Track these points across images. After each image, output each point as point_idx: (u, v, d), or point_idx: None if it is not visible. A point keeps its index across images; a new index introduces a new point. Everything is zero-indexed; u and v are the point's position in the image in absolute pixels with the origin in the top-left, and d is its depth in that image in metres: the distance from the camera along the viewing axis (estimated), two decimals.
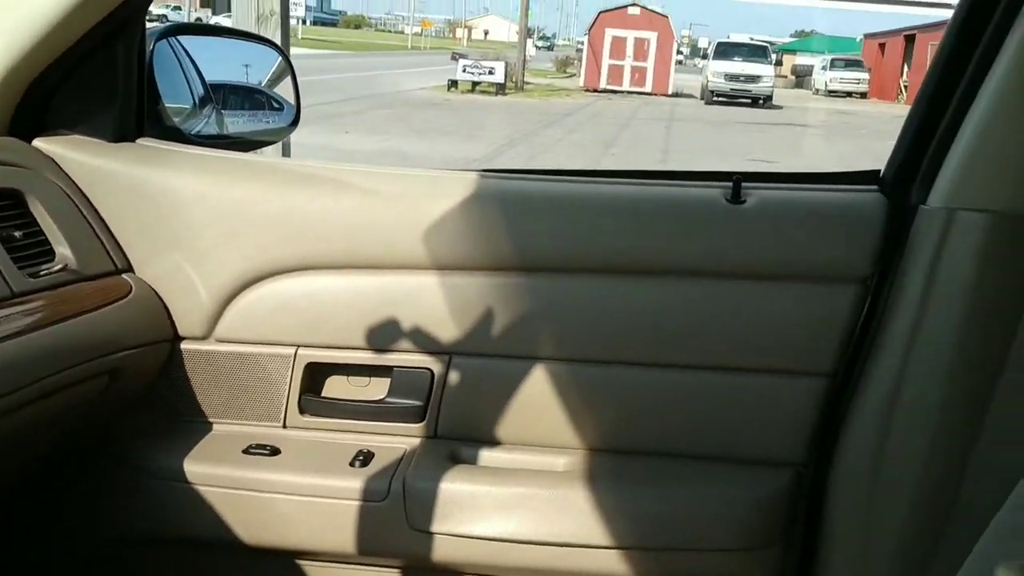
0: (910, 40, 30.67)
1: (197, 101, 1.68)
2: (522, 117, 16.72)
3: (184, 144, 1.37)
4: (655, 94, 26.50)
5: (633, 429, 1.32)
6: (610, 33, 27.10)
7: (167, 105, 1.47)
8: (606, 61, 27.15)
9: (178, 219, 1.27)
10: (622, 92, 26.22)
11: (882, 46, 34.85)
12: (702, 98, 25.84)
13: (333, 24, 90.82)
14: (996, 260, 1.17)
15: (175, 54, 1.62)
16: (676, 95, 27.20)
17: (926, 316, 1.20)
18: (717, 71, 25.49)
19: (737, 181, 1.26)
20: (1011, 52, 1.13)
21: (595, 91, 26.18)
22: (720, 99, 24.91)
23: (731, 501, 1.29)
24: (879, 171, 1.31)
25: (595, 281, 1.29)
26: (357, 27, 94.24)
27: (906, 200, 1.24)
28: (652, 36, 27.22)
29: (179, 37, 1.59)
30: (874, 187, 1.29)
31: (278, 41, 3.18)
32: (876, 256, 1.25)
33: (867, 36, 40.15)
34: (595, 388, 1.31)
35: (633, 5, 27.57)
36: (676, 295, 1.28)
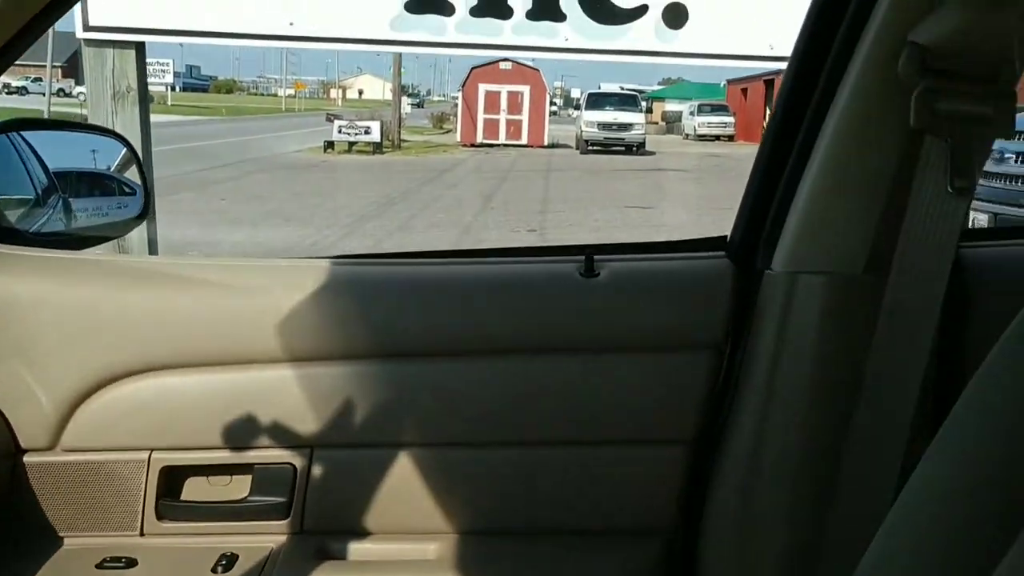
0: (769, 84, 32.04)
1: (40, 193, 1.61)
2: (400, 175, 16.73)
3: (21, 246, 1.31)
4: (532, 146, 26.91)
5: (502, 509, 1.31)
6: (483, 88, 27.48)
7: (9, 198, 1.40)
8: (481, 116, 27.49)
9: (15, 326, 1.21)
10: (499, 145, 26.53)
11: (744, 91, 36.27)
12: (577, 148, 26.36)
13: (204, 89, 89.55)
14: (837, 319, 1.21)
15: (15, 147, 1.55)
16: (552, 146, 27.67)
17: (777, 378, 1.23)
18: (590, 121, 26.07)
19: (589, 255, 1.28)
20: (835, 120, 1.18)
21: (472, 146, 26.42)
22: (595, 148, 25.44)
23: (604, 575, 1.28)
24: (726, 237, 1.35)
25: (455, 364, 1.28)
26: (229, 91, 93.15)
27: (752, 265, 1.28)
28: (525, 89, 27.71)
29: (21, 132, 1.52)
30: (722, 253, 1.32)
31: (137, 119, 3.10)
32: (728, 322, 1.28)
33: (730, 82, 41.72)
34: (461, 471, 1.30)
35: (505, 60, 28.05)
36: (536, 373, 1.29)
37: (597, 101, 27.56)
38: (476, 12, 2.59)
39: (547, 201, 13.34)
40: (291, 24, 2.80)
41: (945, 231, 1.14)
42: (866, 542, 0.86)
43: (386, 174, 17.06)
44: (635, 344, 1.29)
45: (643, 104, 30.75)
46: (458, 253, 1.41)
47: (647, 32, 2.68)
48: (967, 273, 1.29)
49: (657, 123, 43.05)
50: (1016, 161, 6.94)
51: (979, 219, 7.03)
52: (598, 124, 25.82)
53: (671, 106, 46.64)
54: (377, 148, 22.22)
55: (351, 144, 22.09)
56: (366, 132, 22.19)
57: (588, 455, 1.31)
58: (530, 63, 27.91)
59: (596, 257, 1.28)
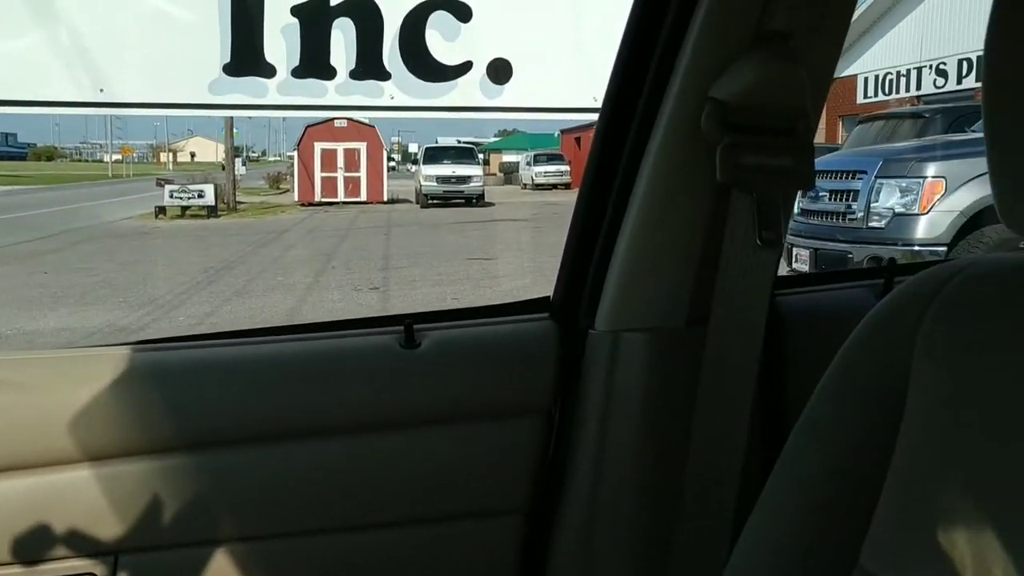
0: None
1: None
2: (236, 238, 16.28)
3: None
4: (371, 202, 26.75)
5: None
6: (319, 146, 27.21)
7: None
8: (318, 174, 27.17)
9: None
10: (338, 203, 26.25)
11: (578, 139, 37.30)
12: (417, 202, 26.39)
13: (22, 157, 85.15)
14: (662, 375, 1.21)
15: None
16: (392, 201, 27.59)
17: (607, 438, 1.22)
18: (429, 175, 26.18)
19: (408, 325, 1.23)
20: (646, 176, 1.18)
21: (311, 204, 26.04)
22: (435, 202, 25.54)
23: None
24: (549, 297, 1.34)
25: (270, 449, 1.21)
26: (49, 159, 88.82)
27: (576, 325, 1.26)
28: (362, 146, 27.60)
29: None
30: (545, 315, 1.30)
31: None
32: (554, 385, 1.26)
33: (563, 131, 42.83)
34: (284, 562, 1.22)
35: (339, 119, 27.90)
36: (360, 452, 1.22)
37: (435, 155, 27.74)
38: (298, 73, 2.54)
39: (389, 257, 13.25)
40: (101, 91, 2.66)
41: (758, 282, 1.16)
42: None
43: (222, 237, 16.57)
44: (461, 415, 1.25)
45: (480, 156, 31.13)
46: (271, 331, 1.34)
47: (472, 88, 2.68)
48: (784, 320, 1.32)
49: (495, 174, 43.64)
50: (830, 199, 7.36)
51: (801, 255, 7.40)
52: (437, 178, 25.95)
53: (508, 157, 47.43)
54: (212, 212, 21.58)
55: (184, 209, 21.37)
56: (199, 196, 21.52)
57: (419, 534, 1.26)
58: (366, 120, 27.91)
59: (416, 326, 1.24)
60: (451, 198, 25.89)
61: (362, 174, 27.47)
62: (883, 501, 0.76)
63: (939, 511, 0.70)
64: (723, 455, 1.19)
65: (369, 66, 2.70)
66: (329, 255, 13.46)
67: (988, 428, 0.69)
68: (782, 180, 1.16)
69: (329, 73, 2.63)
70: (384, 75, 2.58)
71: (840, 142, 15.36)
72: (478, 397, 1.25)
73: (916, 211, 6.67)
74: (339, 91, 2.67)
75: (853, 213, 7.05)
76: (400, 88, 2.71)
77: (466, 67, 2.73)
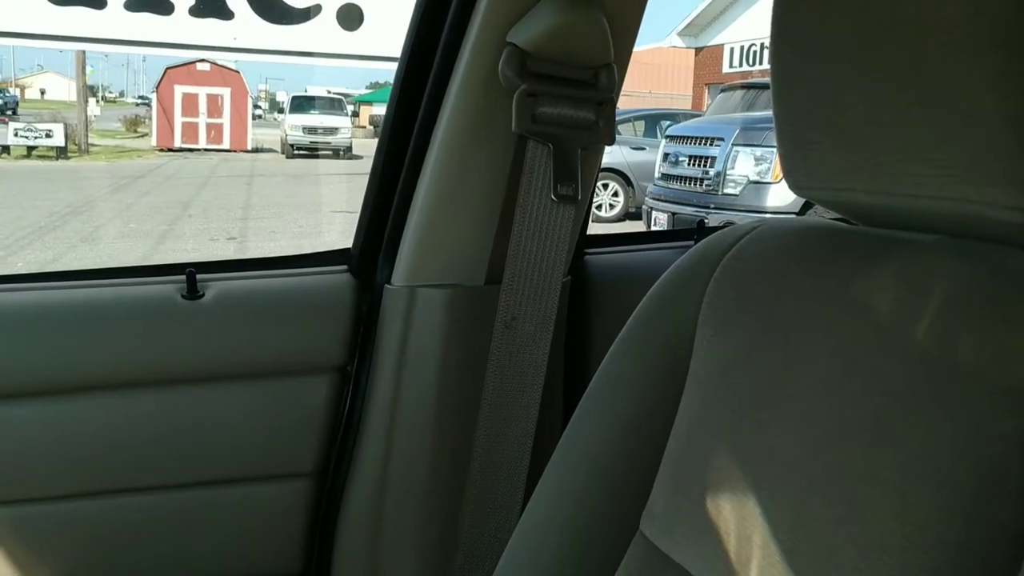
0: None
1: None
2: (88, 182, 15.50)
3: None
4: (234, 150, 25.88)
5: (110, 567, 1.16)
6: (180, 90, 26.07)
7: None
8: (179, 119, 26.06)
9: None
10: (199, 150, 25.30)
11: None
12: (283, 152, 25.69)
13: None
14: (458, 333, 1.18)
15: None
16: (257, 150, 26.76)
17: (401, 397, 1.18)
18: (295, 124, 25.45)
19: (191, 273, 1.15)
20: (444, 127, 1.14)
21: (170, 150, 25.00)
22: (301, 152, 24.89)
23: None
24: (349, 249, 1.29)
25: (36, 405, 1.11)
26: None
27: (374, 280, 1.22)
28: (225, 92, 26.59)
29: None
30: (343, 267, 1.25)
31: None
32: (350, 341, 1.21)
33: None
34: (58, 528, 1.13)
35: (202, 61, 26.80)
36: (135, 409, 1.14)
37: (302, 104, 26.95)
38: (131, 6, 2.39)
39: (249, 207, 12.85)
40: None
41: (554, 240, 1.14)
42: (498, 556, 0.84)
43: (71, 181, 15.75)
44: (249, 371, 1.18)
45: (349, 108, 30.47)
46: (36, 277, 1.22)
47: (320, 33, 2.57)
48: (592, 281, 1.31)
49: (365, 127, 42.86)
50: (689, 164, 7.51)
51: (660, 219, 7.55)
52: (303, 128, 25.26)
53: (378, 110, 46.63)
54: (62, 153, 20.47)
55: (30, 149, 20.19)
56: (47, 135, 20.37)
57: (204, 497, 1.19)
58: (231, 65, 26.89)
59: (200, 276, 1.16)
60: (318, 149, 25.29)
61: (225, 121, 26.51)
62: (662, 470, 0.76)
63: (708, 480, 0.70)
64: (516, 416, 1.18)
65: (211, 4, 2.57)
66: (187, 203, 12.96)
67: (757, 395, 0.69)
68: (582, 133, 1.13)
69: (166, 8, 2.48)
70: (227, 14, 2.45)
71: (705, 110, 15.71)
72: (266, 353, 1.18)
73: (769, 179, 6.87)
74: (178, 28, 2.52)
75: (710, 179, 7.22)
76: (244, 29, 2.59)
77: (314, 11, 2.62)
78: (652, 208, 7.72)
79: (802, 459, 0.63)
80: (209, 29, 2.57)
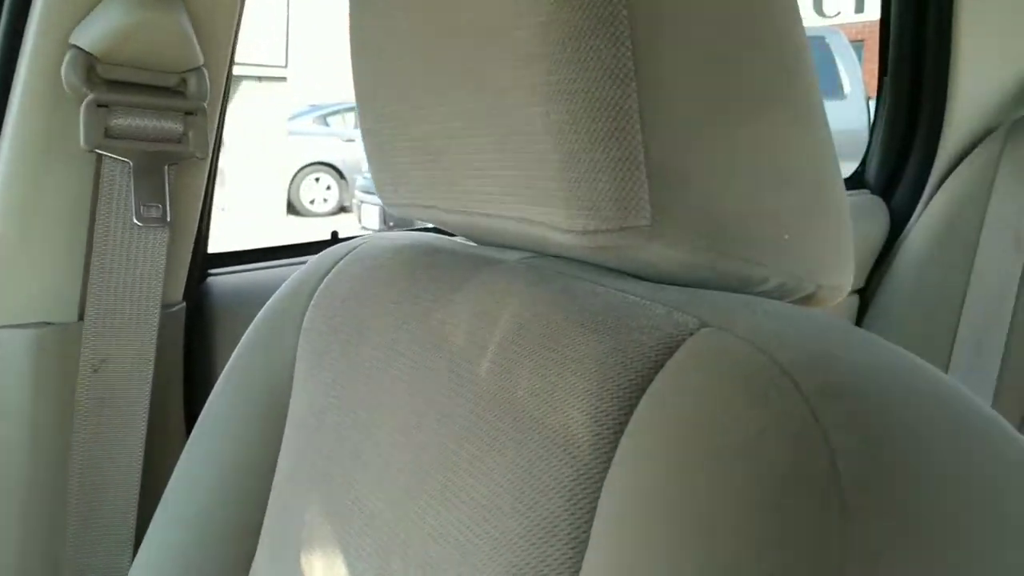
0: None
1: None
2: None
3: None
4: None
5: None
6: None
7: None
8: None
9: None
10: None
11: None
12: None
13: None
14: (48, 377, 1.01)
15: None
16: None
17: None
18: None
19: None
20: (8, 143, 0.96)
21: None
22: None
23: None
24: None
25: None
26: None
27: None
28: None
29: None
30: None
31: None
32: None
33: None
34: None
35: None
36: None
37: None
38: None
39: None
40: None
41: (145, 268, 1.00)
42: None
43: None
44: None
45: None
46: None
47: None
48: (213, 306, 1.17)
49: None
50: None
51: (369, 213, 7.46)
52: None
53: None
54: None
55: None
56: None
57: None
58: None
59: None
60: None
61: None
62: (265, 525, 0.66)
63: (302, 538, 0.62)
64: (115, 469, 1.03)
65: None
66: None
67: (346, 442, 0.60)
68: (168, 147, 0.99)
69: None
70: None
71: None
72: None
73: None
74: None
75: None
76: None
77: None
78: (363, 202, 7.60)
79: (384, 515, 0.54)
80: None
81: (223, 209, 9.18)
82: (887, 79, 1.42)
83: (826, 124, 0.49)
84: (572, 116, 0.44)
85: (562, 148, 0.45)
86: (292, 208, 10.24)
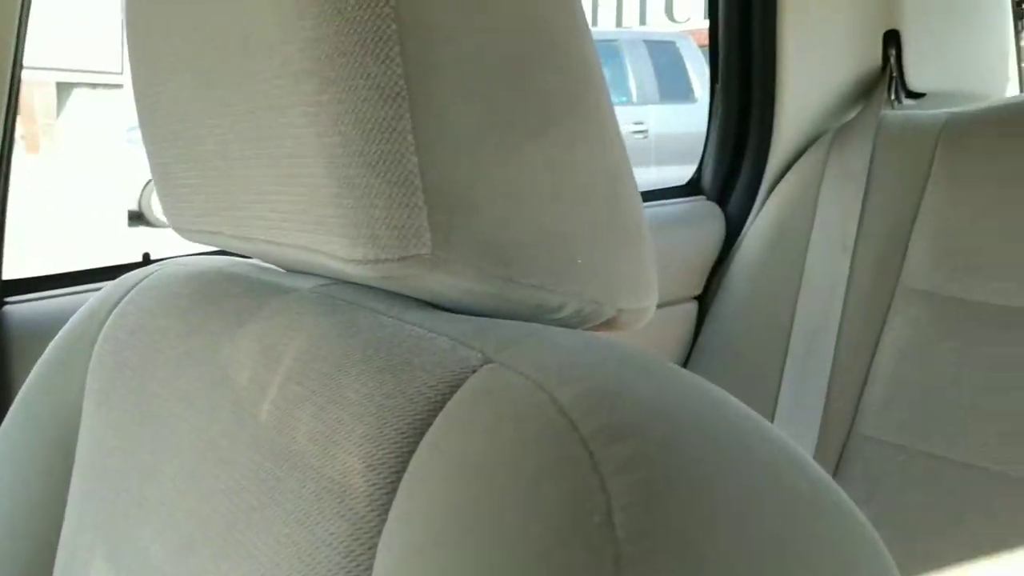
0: None
1: None
2: None
3: None
4: None
5: None
6: None
7: None
8: None
9: None
10: None
11: None
12: None
13: None
14: None
15: None
16: None
17: None
18: None
19: None
20: None
21: None
22: None
23: None
24: None
25: None
26: None
27: None
28: None
29: None
30: None
31: None
32: None
33: None
34: None
35: None
36: None
37: None
38: None
39: None
40: None
41: None
42: None
43: None
44: None
45: None
46: None
47: None
48: (13, 338, 1.09)
49: None
50: None
51: None
52: None
53: None
54: None
55: None
56: None
57: None
58: None
59: None
60: None
61: None
62: (55, 573, 0.60)
63: None
64: None
65: None
66: None
67: (130, 488, 0.55)
68: None
69: None
70: None
71: None
72: None
73: None
74: None
75: None
76: None
77: None
78: None
79: (167, 569, 0.49)
80: None
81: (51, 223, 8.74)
82: (718, 87, 1.43)
83: (619, 141, 0.47)
84: (344, 138, 0.40)
85: (336, 172, 0.41)
86: (143, 219, 9.85)
